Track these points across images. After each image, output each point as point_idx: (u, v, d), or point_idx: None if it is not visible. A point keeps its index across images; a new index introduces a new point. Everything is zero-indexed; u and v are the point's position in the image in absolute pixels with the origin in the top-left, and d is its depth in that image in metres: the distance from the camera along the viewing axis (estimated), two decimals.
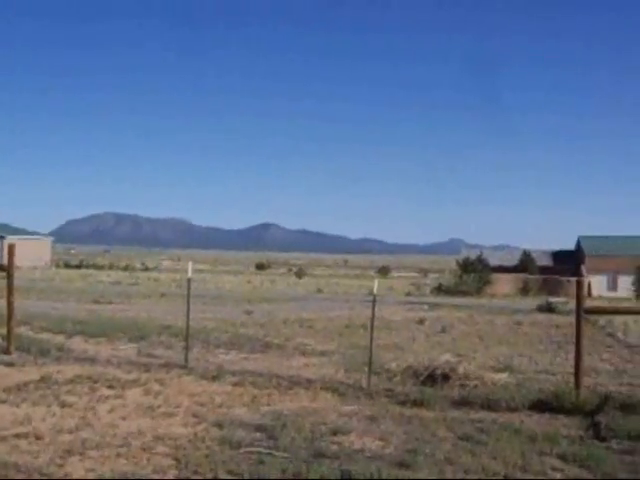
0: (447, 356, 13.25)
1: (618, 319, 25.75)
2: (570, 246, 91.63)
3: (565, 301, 33.37)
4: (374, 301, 12.39)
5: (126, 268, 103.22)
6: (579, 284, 10.77)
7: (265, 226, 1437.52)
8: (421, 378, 11.98)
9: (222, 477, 6.79)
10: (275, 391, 11.12)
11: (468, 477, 6.95)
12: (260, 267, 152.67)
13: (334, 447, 7.93)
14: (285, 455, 7.46)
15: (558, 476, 7.09)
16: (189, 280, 14.02)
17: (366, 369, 11.94)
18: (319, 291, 55.42)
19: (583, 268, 77.52)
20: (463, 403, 10.45)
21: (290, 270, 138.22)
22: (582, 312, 10.68)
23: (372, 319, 12.49)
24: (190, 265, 14.45)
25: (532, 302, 38.91)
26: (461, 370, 12.03)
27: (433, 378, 11.87)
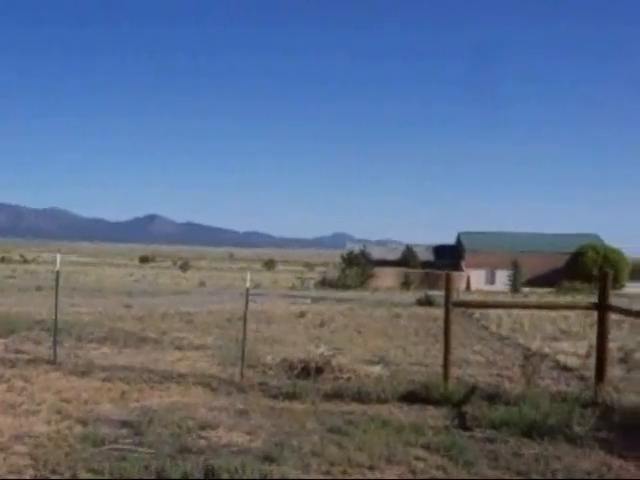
0: (323, 349, 13.29)
1: (492, 312, 26.61)
2: (451, 241, 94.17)
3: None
4: (247, 295, 12.30)
5: (2, 260, 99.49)
6: (448, 278, 11.01)
7: (150, 218, 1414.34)
8: (296, 371, 11.99)
9: (81, 476, 6.57)
10: (146, 386, 10.90)
11: (333, 469, 6.97)
12: (144, 260, 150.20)
13: (201, 442, 7.82)
14: (150, 451, 7.30)
15: (421, 465, 7.20)
16: (57, 273, 13.55)
17: (241, 363, 11.84)
18: (202, 284, 54.94)
19: (462, 263, 79.84)
20: (335, 396, 10.50)
21: (175, 263, 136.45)
22: (450, 305, 10.94)
23: (245, 313, 12.40)
24: (59, 257, 14.00)
25: (413, 296, 39.75)
26: (335, 363, 12.11)
27: (307, 371, 11.91)
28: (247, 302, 12.29)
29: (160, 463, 6.79)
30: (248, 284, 12.20)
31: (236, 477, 6.48)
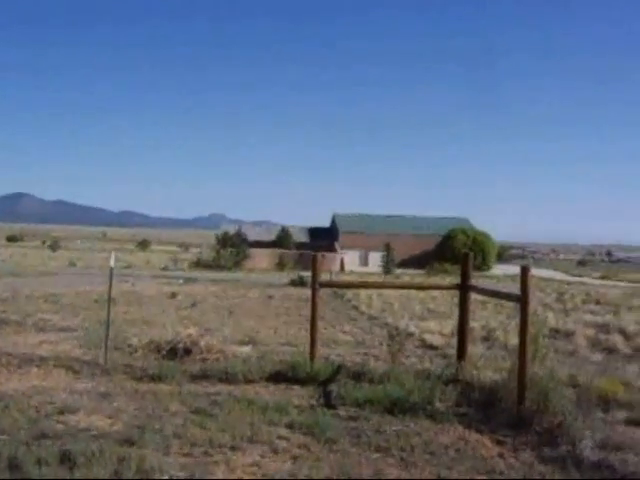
0: (192, 330, 13.11)
1: (364, 293, 27.07)
2: (326, 223, 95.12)
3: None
4: (111, 275, 11.97)
5: None
6: (315, 259, 11.05)
7: (18, 196, 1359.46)
8: (163, 353, 11.81)
9: None
10: (3, 370, 10.46)
11: (194, 450, 6.89)
12: (11, 239, 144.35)
13: (59, 427, 7.56)
14: (3, 438, 6.99)
15: (284, 444, 7.22)
16: None
17: (105, 345, 11.53)
18: (73, 265, 53.34)
19: (337, 244, 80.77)
20: (202, 377, 10.40)
21: (44, 243, 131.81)
22: (317, 286, 11.00)
23: (109, 293, 12.07)
24: None
25: (287, 276, 39.94)
26: (204, 344, 11.99)
27: (175, 352, 11.75)
28: (111, 282, 11.96)
29: (13, 450, 6.52)
30: (112, 263, 11.85)
31: (93, 462, 6.30)
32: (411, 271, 66.69)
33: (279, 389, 9.99)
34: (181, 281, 34.38)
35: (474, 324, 15.51)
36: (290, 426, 7.87)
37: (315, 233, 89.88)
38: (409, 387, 9.37)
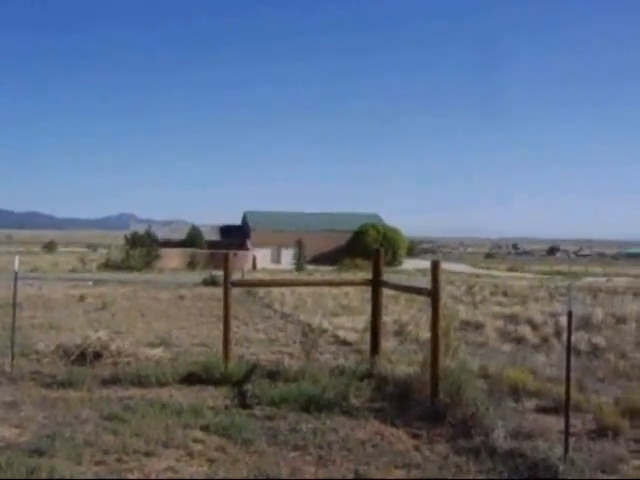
0: (102, 333, 12.79)
1: (277, 291, 27.01)
2: (237, 221, 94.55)
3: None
4: (16, 278, 11.55)
5: None
6: (226, 258, 10.94)
7: None
8: (72, 358, 11.48)
9: None
10: None
11: (107, 458, 6.71)
12: None
13: None
14: None
15: (199, 447, 7.12)
16: None
17: (11, 352, 11.13)
18: None
19: (248, 242, 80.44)
20: (114, 381, 10.17)
21: None
22: (229, 285, 10.90)
23: (14, 298, 11.65)
24: None
25: (198, 276, 39.50)
26: (114, 347, 11.73)
27: (85, 357, 11.44)
28: (16, 286, 11.55)
29: None
30: (17, 267, 11.46)
31: (0, 474, 6.06)
32: (323, 267, 66.92)
33: (193, 391, 9.85)
34: (90, 283, 33.59)
35: (387, 319, 15.66)
36: (206, 428, 7.76)
37: (226, 231, 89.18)
38: (324, 384, 9.39)
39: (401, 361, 11.31)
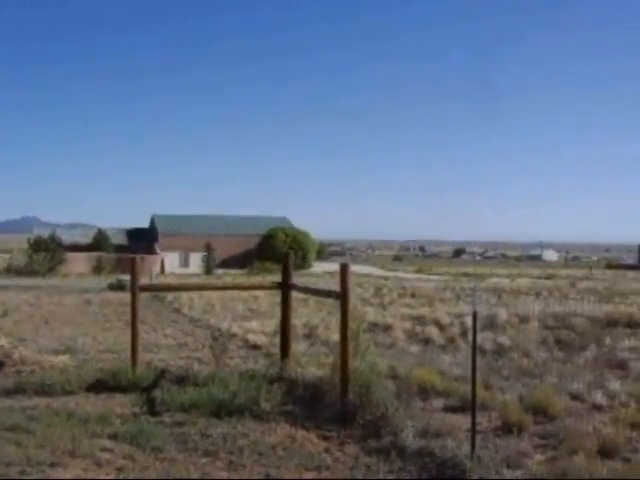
0: (4, 341, 12.41)
1: (185, 295, 26.72)
2: (145, 224, 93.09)
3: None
4: None
5: None
6: (134, 262, 10.76)
7: None
8: None
9: None
10: None
11: (10, 470, 6.49)
12: None
13: None
14: None
15: (107, 456, 6.97)
16: None
17: None
18: None
19: (157, 246, 79.32)
20: (17, 391, 9.86)
21: None
22: (137, 290, 10.73)
23: None
24: None
25: (105, 281, 38.77)
26: (17, 355, 11.38)
27: None
28: None
29: None
30: None
31: None
32: (233, 271, 66.56)
33: (100, 399, 9.65)
34: None
35: (296, 322, 15.69)
36: (114, 437, 7.61)
37: (134, 235, 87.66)
38: (234, 388, 9.33)
39: (311, 364, 11.35)
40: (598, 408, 9.20)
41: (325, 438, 7.83)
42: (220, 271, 66.53)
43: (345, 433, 7.92)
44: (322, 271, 64.11)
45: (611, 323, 17.89)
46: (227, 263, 75.95)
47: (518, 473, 6.45)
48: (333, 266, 64.33)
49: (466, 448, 6.89)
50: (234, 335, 15.88)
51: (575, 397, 9.74)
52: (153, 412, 8.82)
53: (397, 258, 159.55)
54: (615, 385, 10.29)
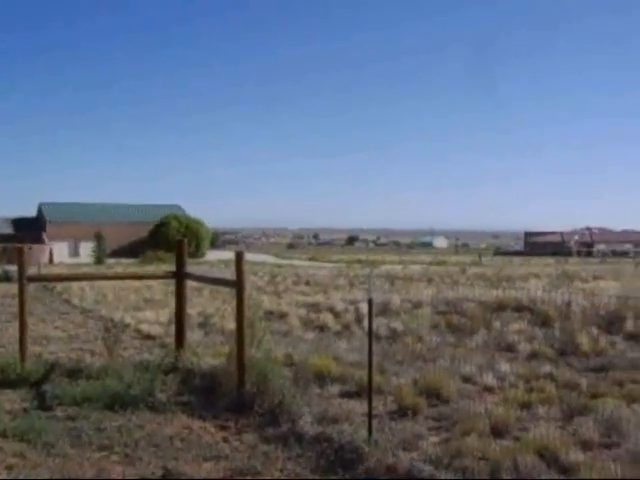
0: None
1: (75, 286, 26.04)
2: (32, 213, 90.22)
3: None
4: None
5: None
6: (20, 252, 10.37)
7: None
8: None
9: None
10: None
11: None
12: None
13: None
14: None
15: None
16: None
17: None
18: None
19: (44, 235, 77.01)
20: None
21: None
22: (25, 281, 10.36)
23: None
24: None
25: None
26: None
27: None
28: None
29: None
30: None
31: None
32: (125, 260, 65.30)
33: None
34: None
35: (191, 311, 15.51)
36: (2, 434, 7.32)
37: (20, 224, 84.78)
38: (128, 380, 9.14)
39: (207, 353, 11.26)
40: (489, 390, 9.50)
41: (222, 428, 7.78)
42: (112, 260, 65.20)
43: (243, 422, 7.90)
44: (216, 259, 63.67)
45: (500, 307, 18.49)
46: (119, 252, 74.53)
47: (414, 455, 6.59)
48: (227, 254, 64.05)
49: (363, 433, 6.98)
50: (127, 326, 15.58)
51: (467, 379, 10.03)
52: (44, 407, 8.54)
53: (291, 246, 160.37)
54: (505, 367, 10.66)
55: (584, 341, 12.92)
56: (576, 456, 6.45)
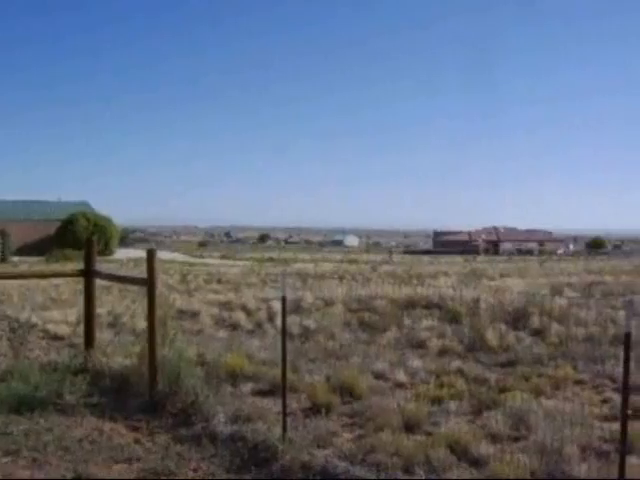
0: None
1: None
2: None
3: None
4: None
5: None
6: None
7: None
8: None
9: None
10: None
11: None
12: None
13: None
14: None
15: None
16: None
17: None
18: None
19: None
20: None
21: None
22: None
23: None
24: None
25: None
26: None
27: None
28: None
29: None
30: None
31: None
32: (30, 258, 63.37)
33: None
34: None
35: (100, 310, 15.18)
36: None
37: None
38: (35, 382, 8.88)
39: (117, 353, 11.04)
40: (401, 386, 9.65)
41: (134, 429, 7.65)
42: (16, 258, 63.20)
43: (155, 423, 7.79)
44: (125, 258, 62.51)
45: (410, 305, 18.74)
46: (24, 250, 72.26)
47: (329, 452, 6.63)
48: (137, 253, 63.00)
49: (277, 431, 6.98)
50: (34, 326, 15.12)
51: (379, 376, 10.15)
52: None
53: (202, 244, 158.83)
54: (416, 363, 10.85)
55: (492, 337, 13.25)
56: (486, 449, 6.62)
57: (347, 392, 8.98)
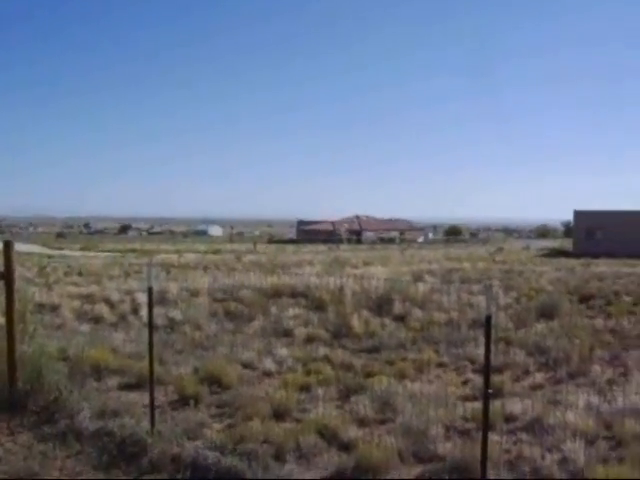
0: None
1: None
2: None
3: None
4: None
5: None
6: None
7: None
8: None
9: None
10: None
11: None
12: None
13: None
14: None
15: None
16: None
17: None
18: None
19: None
20: None
21: None
22: None
23: None
24: None
25: None
26: None
27: None
28: None
29: None
30: None
31: None
32: None
33: None
34: None
35: None
36: None
37: None
38: None
39: None
40: (269, 374, 9.72)
41: None
42: None
43: (16, 422, 7.48)
44: None
45: (276, 294, 18.86)
46: None
47: (199, 443, 6.59)
48: None
49: (145, 424, 6.88)
50: None
51: (247, 365, 10.19)
52: None
53: (61, 235, 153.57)
54: (283, 351, 10.95)
55: (357, 324, 13.55)
56: (354, 432, 6.77)
57: (215, 382, 8.98)
